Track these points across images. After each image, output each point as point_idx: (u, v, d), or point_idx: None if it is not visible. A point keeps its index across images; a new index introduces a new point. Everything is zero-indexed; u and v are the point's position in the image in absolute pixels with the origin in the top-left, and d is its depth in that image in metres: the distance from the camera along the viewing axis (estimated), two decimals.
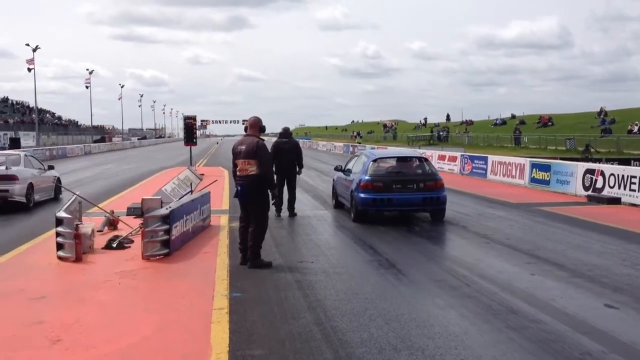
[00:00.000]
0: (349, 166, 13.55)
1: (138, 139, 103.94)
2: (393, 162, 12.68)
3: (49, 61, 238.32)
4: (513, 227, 11.29)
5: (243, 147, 8.07)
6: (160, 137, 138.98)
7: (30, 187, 14.58)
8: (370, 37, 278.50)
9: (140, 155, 49.64)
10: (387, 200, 11.57)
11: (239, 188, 8.16)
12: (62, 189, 16.09)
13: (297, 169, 13.09)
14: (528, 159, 19.95)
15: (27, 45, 57.77)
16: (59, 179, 16.93)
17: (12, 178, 14.03)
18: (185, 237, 9.24)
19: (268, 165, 8.22)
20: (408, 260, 8.40)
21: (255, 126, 8.24)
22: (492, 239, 10.03)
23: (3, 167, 14.28)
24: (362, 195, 11.57)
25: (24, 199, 14.22)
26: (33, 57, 58.06)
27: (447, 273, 7.66)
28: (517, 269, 7.94)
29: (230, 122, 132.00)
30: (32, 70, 58.36)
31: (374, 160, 12.32)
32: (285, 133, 13.33)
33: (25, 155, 16.62)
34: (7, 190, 13.84)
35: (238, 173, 8.17)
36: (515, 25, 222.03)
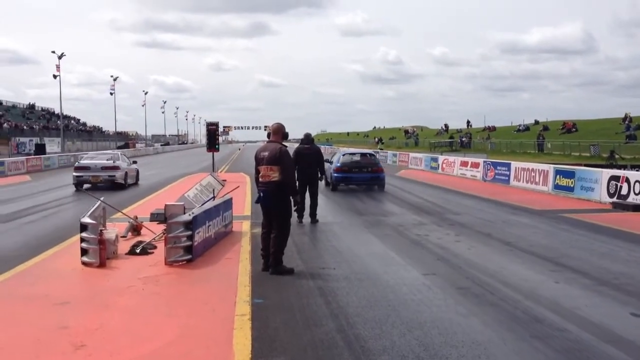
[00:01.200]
0: (332, 159, 21.05)
1: (161, 145, 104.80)
2: (354, 156, 20.47)
3: (73, 68, 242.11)
4: (537, 234, 11.17)
5: (266, 154, 8.10)
6: (183, 143, 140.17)
7: (125, 174, 22.36)
8: (391, 42, 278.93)
9: (163, 161, 50.02)
10: (349, 178, 19.52)
11: (262, 194, 8.19)
12: (131, 177, 23.39)
13: (319, 175, 13.10)
14: (552, 166, 19.74)
15: (53, 52, 58.78)
16: (138, 170, 24.75)
17: (116, 168, 21.97)
18: (207, 243, 9.29)
19: (290, 172, 8.18)
20: (430, 267, 8.35)
21: (278, 132, 8.26)
22: (515, 246, 9.93)
23: (111, 161, 22.22)
24: (335, 174, 19.38)
25: (122, 181, 22.00)
26: (58, 64, 58.97)
27: (471, 280, 7.59)
28: (542, 276, 7.85)
29: (252, 128, 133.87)
30: (58, 77, 59.31)
31: (343, 155, 20.58)
32: (307, 139, 13.40)
33: (121, 153, 25.35)
34: (114, 176, 21.74)
35: (260, 179, 8.19)
36: (537, 31, 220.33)
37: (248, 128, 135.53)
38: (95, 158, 23.44)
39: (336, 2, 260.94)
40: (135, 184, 23.68)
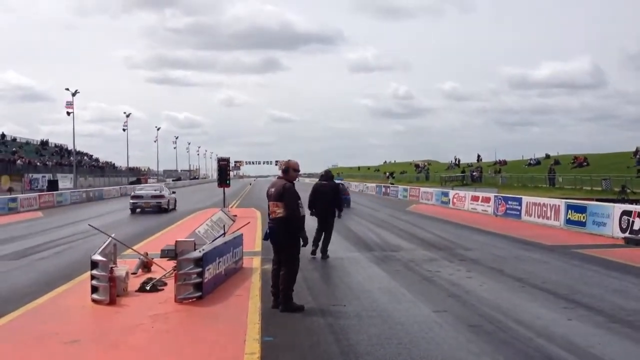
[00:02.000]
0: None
1: (173, 180, 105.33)
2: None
3: (86, 104, 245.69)
4: (549, 270, 11.08)
5: (273, 190, 8.19)
6: (194, 178, 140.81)
7: (168, 202, 29.55)
8: (401, 78, 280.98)
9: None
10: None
11: (268, 230, 8.23)
12: (171, 203, 30.56)
13: (337, 212, 13.15)
14: (563, 200, 19.67)
15: (67, 89, 59.62)
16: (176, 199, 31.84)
17: (162, 197, 29.35)
18: (217, 280, 9.27)
19: (293, 208, 8.05)
20: (442, 304, 8.28)
21: (286, 170, 8.36)
22: (528, 282, 9.84)
23: (158, 191, 30.08)
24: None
25: (166, 207, 29.15)
26: (72, 101, 59.80)
27: (483, 318, 7.52)
28: (554, 314, 7.76)
29: (264, 162, 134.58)
30: (72, 114, 60.08)
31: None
32: (326, 175, 13.70)
33: (164, 185, 36.98)
34: (160, 202, 28.89)
35: (269, 215, 8.24)
36: (547, 66, 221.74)
37: (259, 163, 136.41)
38: (146, 189, 31.75)
39: (347, 38, 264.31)
40: (174, 209, 30.39)
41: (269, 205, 8.28)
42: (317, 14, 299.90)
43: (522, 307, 8.10)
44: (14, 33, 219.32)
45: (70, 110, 59.86)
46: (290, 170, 8.31)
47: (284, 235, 8.06)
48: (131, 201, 29.20)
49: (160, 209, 28.46)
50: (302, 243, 8.30)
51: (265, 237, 8.38)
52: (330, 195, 13.09)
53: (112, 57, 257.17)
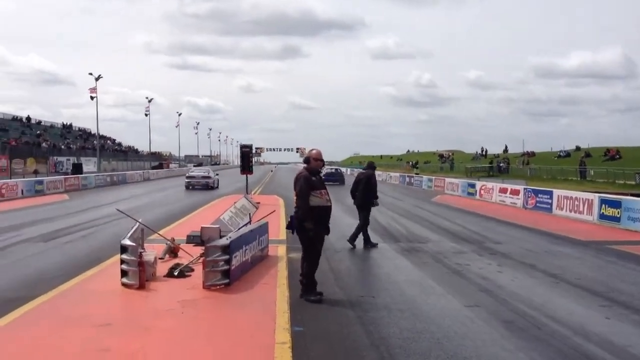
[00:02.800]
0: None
1: (194, 166, 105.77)
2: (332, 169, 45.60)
3: (108, 89, 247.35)
4: (583, 266, 10.85)
5: (294, 179, 8.23)
6: (215, 164, 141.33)
7: (213, 181, 37.42)
8: (424, 66, 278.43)
9: None
10: (329, 180, 32.50)
11: (289, 219, 8.24)
12: (216, 183, 38.45)
13: (372, 201, 13.13)
14: (597, 195, 19.25)
15: (90, 74, 59.99)
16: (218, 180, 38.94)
17: (209, 177, 37.63)
18: (244, 267, 9.22)
19: (300, 196, 8.00)
20: (473, 299, 8.13)
21: (307, 160, 8.34)
22: (561, 278, 9.63)
23: (206, 173, 38.61)
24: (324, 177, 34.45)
25: (213, 186, 36.97)
26: (96, 86, 60.21)
27: (515, 314, 7.36)
28: (590, 311, 7.58)
29: (284, 150, 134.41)
30: (95, 99, 60.53)
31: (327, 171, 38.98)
32: (367, 165, 14.00)
33: (209, 168, 44.40)
34: (207, 182, 36.85)
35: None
36: (576, 55, 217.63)
37: (280, 150, 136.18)
38: (197, 171, 40.35)
39: (367, 25, 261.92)
40: (217, 187, 37.54)
41: None
42: (338, 0, 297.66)
43: (556, 304, 7.92)
44: (35, 18, 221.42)
45: (93, 95, 60.28)
46: (311, 160, 8.23)
47: (297, 224, 8.03)
48: (186, 180, 37.61)
49: (207, 186, 36.39)
50: (309, 233, 7.99)
51: (287, 226, 8.40)
52: (365, 185, 13.14)
53: (132, 43, 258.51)
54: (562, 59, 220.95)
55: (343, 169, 61.62)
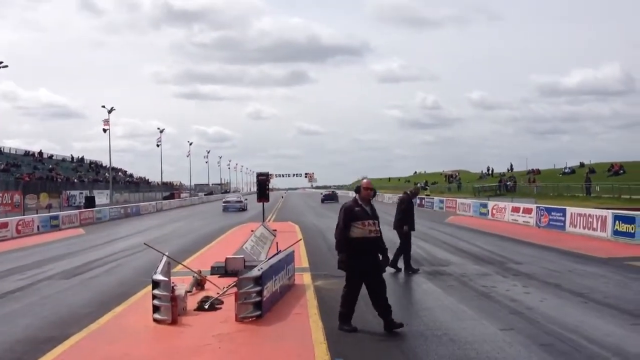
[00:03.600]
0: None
1: (205, 194, 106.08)
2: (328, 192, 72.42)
3: (117, 120, 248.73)
4: (608, 284, 10.83)
5: None
6: (226, 192, 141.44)
7: (244, 205, 50.44)
8: (429, 88, 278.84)
9: (209, 211, 50.49)
10: (326, 200, 63.58)
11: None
12: (246, 206, 50.82)
13: (405, 227, 13.17)
14: (610, 211, 19.25)
15: (103, 107, 60.73)
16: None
17: (241, 202, 51.21)
18: (274, 298, 9.26)
19: (336, 227, 8.09)
20: (506, 322, 8.13)
21: (357, 189, 8.30)
22: (589, 298, 9.62)
23: (239, 198, 53.60)
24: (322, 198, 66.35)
25: (245, 208, 49.28)
26: (108, 119, 60.81)
27: (552, 336, 7.34)
28: (624, 331, 7.56)
29: (293, 175, 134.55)
30: (107, 131, 61.09)
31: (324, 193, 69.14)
32: (410, 191, 14.29)
33: (240, 194, 70.59)
34: (240, 205, 49.81)
35: None
36: (576, 73, 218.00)
37: (289, 175, 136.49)
38: (231, 197, 56.38)
39: (373, 49, 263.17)
40: (247, 209, 48.03)
41: None
42: (344, 25, 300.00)
43: (589, 324, 7.91)
44: (45, 52, 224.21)
45: (106, 128, 60.91)
46: (361, 190, 8.25)
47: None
48: (223, 204, 50.50)
49: (240, 209, 48.20)
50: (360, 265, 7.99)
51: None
52: (397, 210, 13.55)
53: (141, 73, 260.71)
54: (564, 77, 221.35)
55: (339, 192, 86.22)
